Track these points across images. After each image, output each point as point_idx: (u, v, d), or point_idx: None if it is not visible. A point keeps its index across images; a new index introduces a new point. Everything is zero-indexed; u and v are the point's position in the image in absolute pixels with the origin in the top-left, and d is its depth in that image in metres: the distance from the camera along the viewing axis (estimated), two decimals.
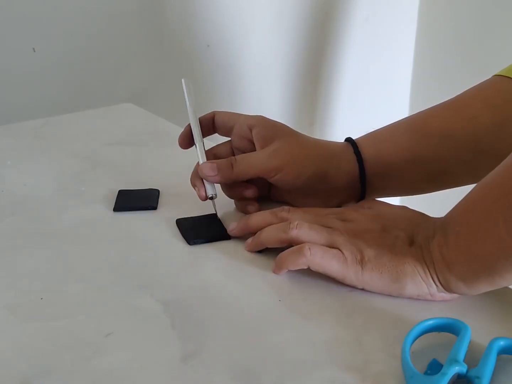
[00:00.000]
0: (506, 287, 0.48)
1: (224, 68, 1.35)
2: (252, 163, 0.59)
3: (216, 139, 0.66)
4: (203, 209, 0.61)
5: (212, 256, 0.55)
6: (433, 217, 0.52)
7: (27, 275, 0.52)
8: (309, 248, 0.49)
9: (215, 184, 0.61)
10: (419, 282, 0.47)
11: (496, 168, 0.46)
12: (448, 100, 0.61)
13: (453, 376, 0.38)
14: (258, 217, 0.56)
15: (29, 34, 1.06)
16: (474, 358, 0.40)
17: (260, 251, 0.55)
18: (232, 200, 0.64)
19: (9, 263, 0.54)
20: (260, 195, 0.63)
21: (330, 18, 1.51)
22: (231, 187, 0.62)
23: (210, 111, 0.65)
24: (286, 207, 0.56)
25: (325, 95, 1.59)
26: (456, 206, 0.49)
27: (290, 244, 0.52)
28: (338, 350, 0.43)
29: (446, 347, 0.41)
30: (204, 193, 0.60)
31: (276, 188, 0.63)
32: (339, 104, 1.61)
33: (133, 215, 0.62)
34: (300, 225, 0.52)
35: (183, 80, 0.66)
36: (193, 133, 0.63)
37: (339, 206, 0.61)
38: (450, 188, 0.62)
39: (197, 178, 0.61)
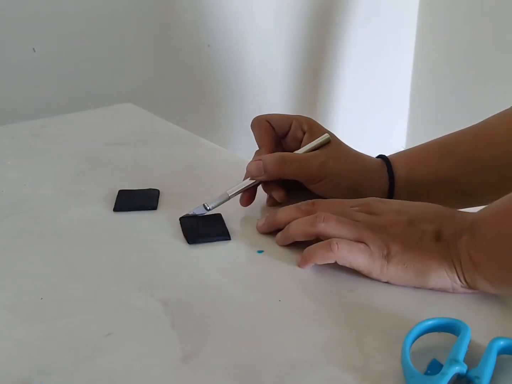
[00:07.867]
0: None
1: (225, 68, 1.35)
2: (303, 167, 0.62)
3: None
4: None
5: (212, 256, 0.55)
6: (459, 212, 0.53)
7: (27, 275, 0.52)
8: (337, 243, 0.50)
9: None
10: (444, 278, 0.48)
11: None
12: (476, 125, 0.65)
13: (453, 376, 0.38)
14: (284, 212, 0.58)
15: (29, 34, 1.06)
16: (474, 358, 0.40)
17: (260, 251, 0.55)
18: (234, 201, 0.63)
19: (9, 263, 0.54)
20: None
21: (330, 19, 1.51)
22: (266, 183, 0.64)
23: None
24: (310, 201, 0.58)
25: (325, 95, 1.59)
26: (488, 209, 0.49)
27: (317, 237, 0.53)
28: (338, 350, 0.43)
29: (446, 347, 0.41)
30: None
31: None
32: (339, 104, 1.61)
33: (133, 215, 0.62)
34: (327, 219, 0.53)
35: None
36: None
37: None
38: (472, 206, 0.64)
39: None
